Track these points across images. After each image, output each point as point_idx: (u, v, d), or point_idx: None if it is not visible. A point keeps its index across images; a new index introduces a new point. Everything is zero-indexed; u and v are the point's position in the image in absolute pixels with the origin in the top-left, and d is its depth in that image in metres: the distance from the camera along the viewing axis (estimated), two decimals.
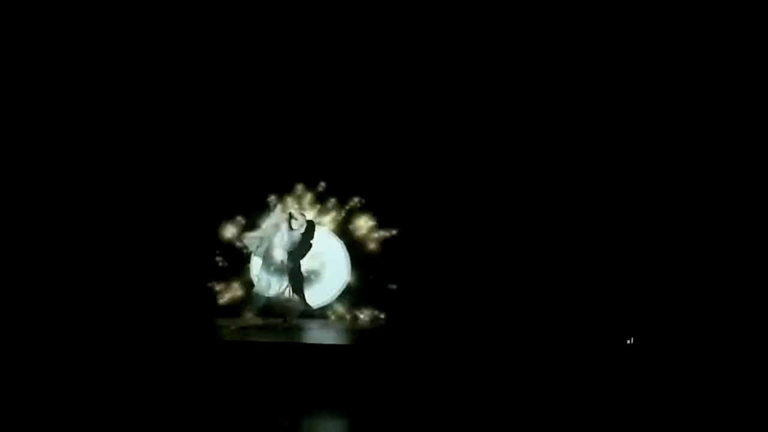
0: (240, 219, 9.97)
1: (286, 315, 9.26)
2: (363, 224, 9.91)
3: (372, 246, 9.87)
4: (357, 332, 9.05)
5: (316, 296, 9.71)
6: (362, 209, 9.95)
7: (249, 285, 9.70)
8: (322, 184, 9.97)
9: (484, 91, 9.97)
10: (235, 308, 9.89)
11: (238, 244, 9.81)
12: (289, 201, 9.92)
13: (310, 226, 9.52)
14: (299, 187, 9.99)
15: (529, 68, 9.85)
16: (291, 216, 9.36)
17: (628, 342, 8.09)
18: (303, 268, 9.55)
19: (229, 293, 9.94)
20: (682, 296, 9.08)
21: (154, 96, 10.16)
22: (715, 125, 9.38)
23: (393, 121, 10.09)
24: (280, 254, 9.15)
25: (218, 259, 9.99)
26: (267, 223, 9.38)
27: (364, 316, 9.85)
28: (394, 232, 9.83)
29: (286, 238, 9.17)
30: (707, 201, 9.33)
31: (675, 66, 9.50)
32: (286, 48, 10.11)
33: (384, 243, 9.96)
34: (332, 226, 9.91)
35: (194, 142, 10.19)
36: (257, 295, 9.30)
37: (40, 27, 9.87)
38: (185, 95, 10.18)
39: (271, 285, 9.16)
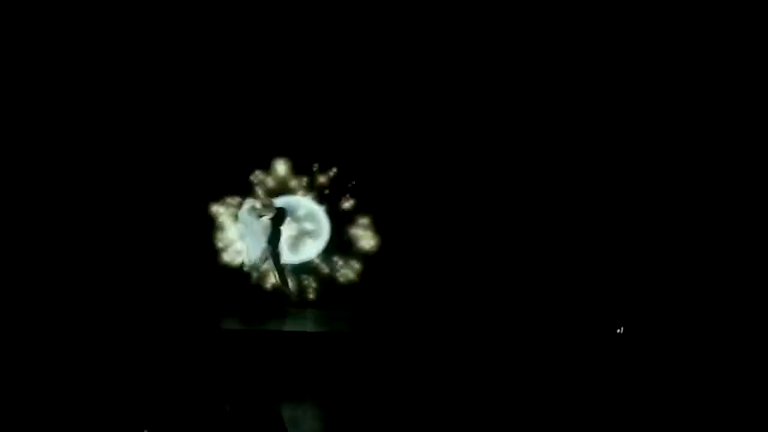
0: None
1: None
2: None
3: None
4: (342, 322, 9.20)
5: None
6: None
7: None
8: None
9: (480, 89, 10.04)
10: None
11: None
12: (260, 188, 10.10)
13: (280, 213, 9.66)
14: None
15: (529, 68, 9.91)
16: (261, 203, 9.52)
17: (618, 331, 8.17)
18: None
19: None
20: (674, 289, 9.17)
21: (144, 94, 10.19)
22: (715, 125, 9.45)
23: (389, 117, 10.19)
24: (255, 241, 9.40)
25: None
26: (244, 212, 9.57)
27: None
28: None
29: (257, 225, 9.41)
30: (703, 198, 9.41)
31: (675, 66, 9.56)
32: (272, 45, 10.16)
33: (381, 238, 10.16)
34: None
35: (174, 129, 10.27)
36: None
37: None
38: (172, 91, 10.23)
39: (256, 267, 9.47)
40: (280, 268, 9.58)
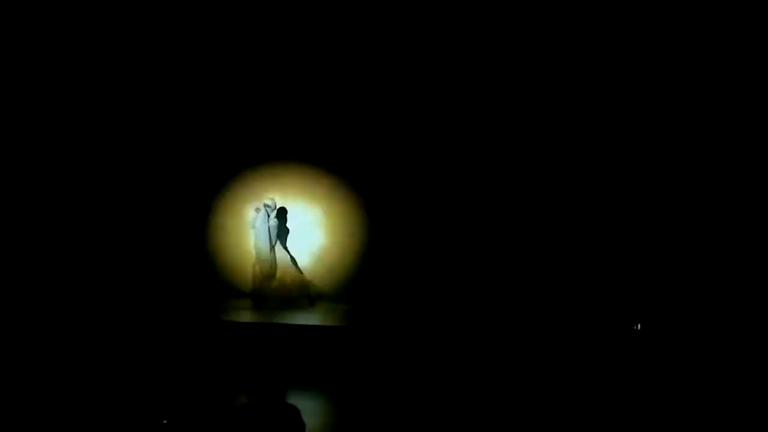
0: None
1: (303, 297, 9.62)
2: None
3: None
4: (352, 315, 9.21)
5: None
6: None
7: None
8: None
9: (477, 88, 9.99)
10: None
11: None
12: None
13: (282, 211, 9.74)
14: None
15: (528, 68, 9.85)
16: (265, 205, 9.59)
17: (636, 328, 8.13)
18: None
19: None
20: (687, 285, 9.13)
21: (146, 93, 10.19)
22: (715, 125, 9.39)
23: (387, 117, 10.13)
24: (265, 239, 9.51)
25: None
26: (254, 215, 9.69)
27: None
28: None
29: (265, 224, 9.53)
30: (709, 195, 9.37)
31: (675, 66, 9.50)
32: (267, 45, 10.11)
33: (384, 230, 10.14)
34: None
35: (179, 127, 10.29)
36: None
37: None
38: (174, 90, 10.21)
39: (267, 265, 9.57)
40: (294, 263, 9.73)
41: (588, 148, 9.72)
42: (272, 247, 9.52)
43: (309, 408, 5.73)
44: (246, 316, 8.84)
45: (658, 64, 9.47)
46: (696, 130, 9.41)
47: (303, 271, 9.81)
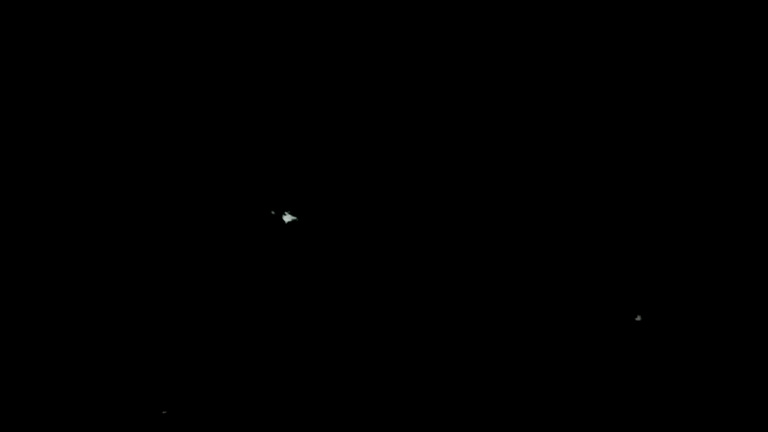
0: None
1: None
2: None
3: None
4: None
5: None
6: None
7: None
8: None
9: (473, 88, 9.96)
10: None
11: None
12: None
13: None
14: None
15: (526, 68, 9.83)
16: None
17: (637, 319, 8.13)
18: None
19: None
20: (689, 279, 9.12)
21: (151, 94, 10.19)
22: (716, 125, 9.39)
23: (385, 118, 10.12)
24: None
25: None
26: None
27: None
28: None
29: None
30: (710, 194, 9.36)
31: (675, 66, 9.50)
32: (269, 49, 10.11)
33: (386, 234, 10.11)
34: None
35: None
36: None
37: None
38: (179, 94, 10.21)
39: None
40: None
41: (588, 148, 9.74)
42: None
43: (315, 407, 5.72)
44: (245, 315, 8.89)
45: (658, 64, 9.49)
46: (697, 130, 9.43)
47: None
